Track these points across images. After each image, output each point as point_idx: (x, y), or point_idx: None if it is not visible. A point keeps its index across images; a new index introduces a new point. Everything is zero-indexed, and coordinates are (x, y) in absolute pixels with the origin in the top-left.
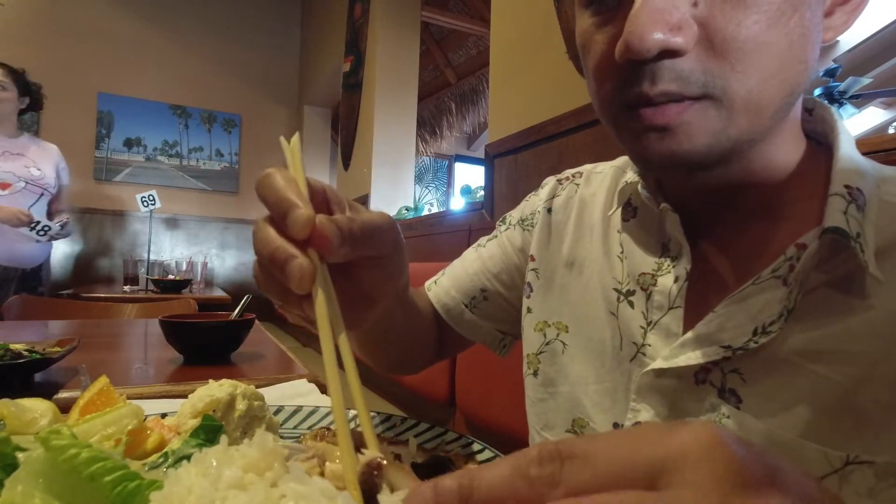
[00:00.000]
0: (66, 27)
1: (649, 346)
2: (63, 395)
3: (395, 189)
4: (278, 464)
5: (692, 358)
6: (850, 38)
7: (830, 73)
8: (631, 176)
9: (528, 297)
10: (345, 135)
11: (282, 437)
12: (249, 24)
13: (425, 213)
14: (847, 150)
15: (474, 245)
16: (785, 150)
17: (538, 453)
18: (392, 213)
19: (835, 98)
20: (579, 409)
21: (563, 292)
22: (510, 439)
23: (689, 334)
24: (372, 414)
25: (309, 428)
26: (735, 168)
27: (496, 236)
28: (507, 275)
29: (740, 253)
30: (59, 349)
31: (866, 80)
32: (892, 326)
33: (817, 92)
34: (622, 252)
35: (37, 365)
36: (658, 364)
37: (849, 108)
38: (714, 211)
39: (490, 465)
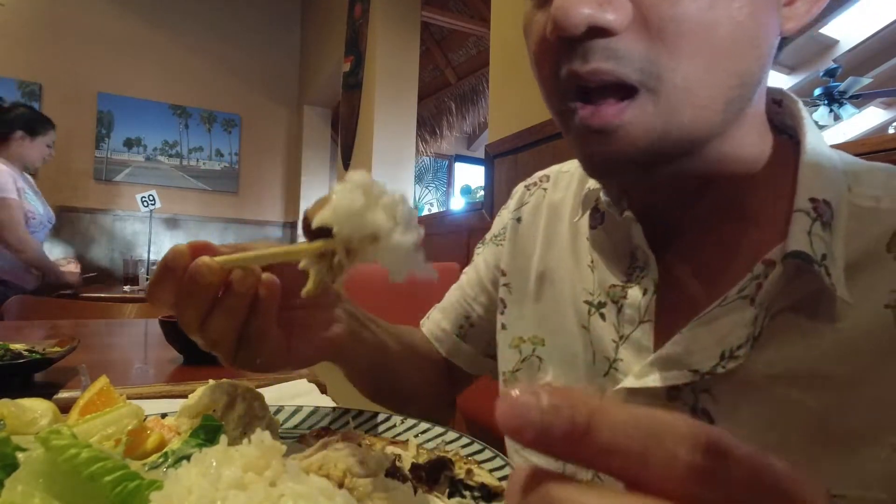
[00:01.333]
0: (66, 27)
1: (621, 360)
2: (63, 395)
3: (396, 189)
4: (276, 461)
5: (660, 379)
6: (850, 38)
7: (830, 73)
8: (594, 182)
9: (502, 313)
10: (345, 135)
11: (282, 438)
12: (249, 24)
13: (425, 213)
14: (814, 151)
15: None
16: (749, 145)
17: (691, 434)
18: None
19: (835, 98)
20: None
21: (536, 305)
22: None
23: (660, 352)
24: (372, 414)
25: (309, 428)
26: (692, 165)
27: (474, 260)
28: (484, 296)
29: (709, 261)
30: (59, 349)
31: (866, 80)
32: (862, 348)
33: (817, 92)
34: (591, 262)
35: (37, 365)
36: (629, 383)
37: (849, 108)
38: (679, 214)
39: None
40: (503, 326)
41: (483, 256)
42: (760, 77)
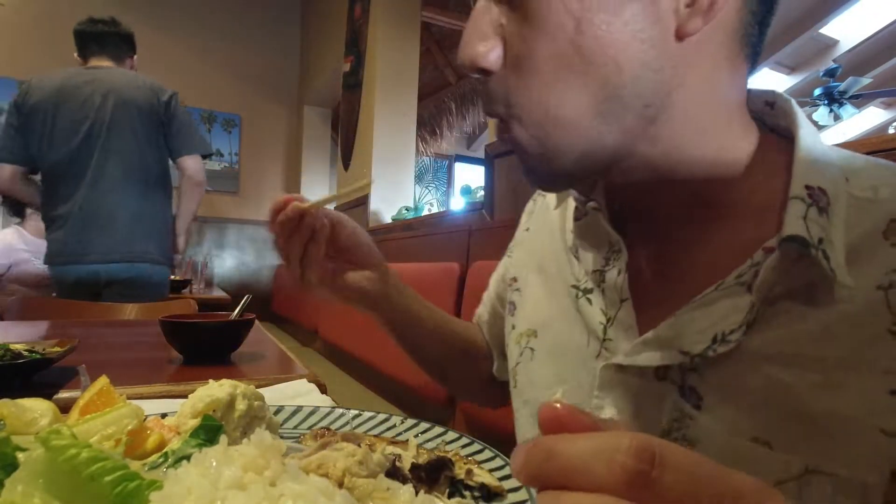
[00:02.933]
0: (66, 27)
1: (611, 340)
2: (63, 395)
3: (395, 189)
4: (276, 461)
5: (651, 359)
6: (850, 38)
7: (830, 73)
8: None
9: (512, 314)
10: (345, 135)
11: (282, 438)
12: (249, 24)
13: (425, 213)
14: (808, 144)
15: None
16: (716, 146)
17: (630, 443)
18: (392, 213)
19: (835, 98)
20: None
21: (532, 298)
22: (510, 439)
23: (650, 334)
24: (372, 414)
25: (309, 428)
26: (629, 170)
27: (497, 268)
28: (490, 303)
29: (693, 246)
30: (59, 349)
31: (866, 80)
32: (852, 331)
33: (817, 92)
34: (577, 251)
35: (37, 365)
36: (619, 360)
37: (849, 108)
38: (647, 206)
39: (570, 438)
40: (513, 327)
41: (501, 268)
42: (639, 85)
